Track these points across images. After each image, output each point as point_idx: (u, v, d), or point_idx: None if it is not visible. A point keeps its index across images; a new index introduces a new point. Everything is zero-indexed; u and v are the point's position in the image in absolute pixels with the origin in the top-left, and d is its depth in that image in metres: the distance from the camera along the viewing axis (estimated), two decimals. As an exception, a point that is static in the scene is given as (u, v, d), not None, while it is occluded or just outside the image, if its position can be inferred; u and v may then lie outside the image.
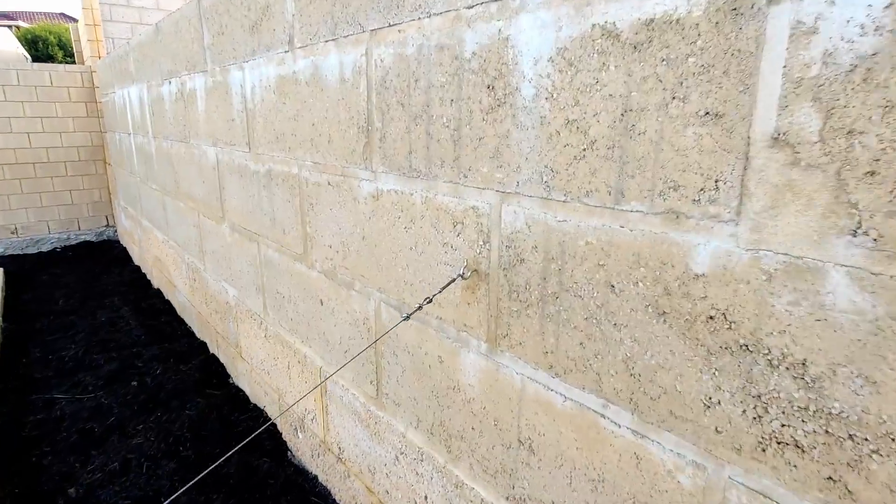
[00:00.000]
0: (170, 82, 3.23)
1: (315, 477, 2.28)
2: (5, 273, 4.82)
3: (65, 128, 5.60)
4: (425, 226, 1.40)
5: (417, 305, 1.24)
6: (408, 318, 1.23)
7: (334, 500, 2.15)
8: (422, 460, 1.60)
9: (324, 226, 1.87)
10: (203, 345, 3.50)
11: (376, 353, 1.73)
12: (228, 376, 3.12)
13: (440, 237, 1.36)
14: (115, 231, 6.12)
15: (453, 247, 1.33)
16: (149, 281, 4.80)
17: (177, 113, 3.21)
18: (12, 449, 2.36)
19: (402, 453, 1.70)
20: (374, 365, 1.75)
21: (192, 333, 3.70)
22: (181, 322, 3.88)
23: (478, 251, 1.26)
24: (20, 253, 5.60)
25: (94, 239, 6.01)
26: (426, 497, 1.61)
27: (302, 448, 2.39)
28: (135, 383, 2.93)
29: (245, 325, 2.77)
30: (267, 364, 2.61)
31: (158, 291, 4.51)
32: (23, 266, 5.12)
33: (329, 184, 1.79)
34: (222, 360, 3.24)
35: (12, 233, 5.58)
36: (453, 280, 1.25)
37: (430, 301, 1.21)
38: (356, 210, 1.67)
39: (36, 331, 3.67)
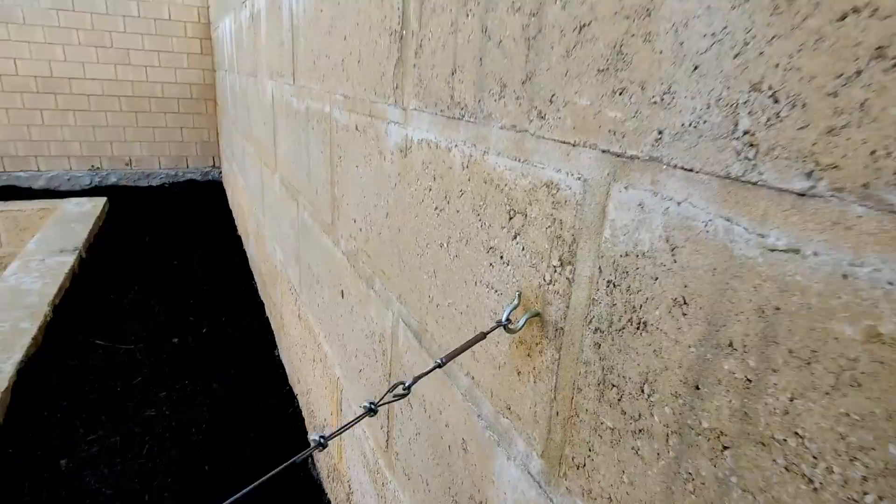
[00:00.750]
0: (244, 5, 2.83)
1: (329, 502, 1.81)
2: (110, 204, 4.97)
3: (179, 63, 5.63)
4: (464, 208, 0.76)
5: (423, 372, 0.62)
6: (405, 393, 0.60)
7: (341, 545, 1.66)
8: (429, 577, 1.02)
9: (350, 189, 1.30)
10: (261, 306, 3.20)
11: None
12: (274, 347, 2.77)
13: (485, 234, 0.72)
14: (220, 173, 6.17)
15: (503, 257, 0.68)
16: (235, 228, 4.67)
17: (249, 42, 2.82)
18: (30, 397, 2.18)
19: (407, 548, 1.12)
20: (386, 406, 1.17)
21: (255, 291, 3.42)
22: (248, 276, 3.64)
23: (547, 276, 0.60)
24: (132, 185, 5.84)
25: (199, 178, 6.11)
26: None
27: (320, 463, 1.93)
28: (175, 341, 2.68)
29: (286, 297, 2.35)
30: (298, 349, 2.17)
31: (238, 240, 4.35)
32: (129, 198, 5.28)
33: (356, 128, 1.20)
34: (273, 327, 2.90)
35: (126, 164, 5.82)
36: (482, 334, 0.61)
37: (442, 365, 0.59)
38: (381, 171, 1.07)
39: (112, 266, 3.62)
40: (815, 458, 0.35)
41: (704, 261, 0.41)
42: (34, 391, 2.21)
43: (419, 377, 0.57)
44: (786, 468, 0.37)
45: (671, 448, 0.46)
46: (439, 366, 0.58)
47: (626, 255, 0.49)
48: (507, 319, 0.61)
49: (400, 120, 0.96)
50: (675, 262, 0.44)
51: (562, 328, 0.59)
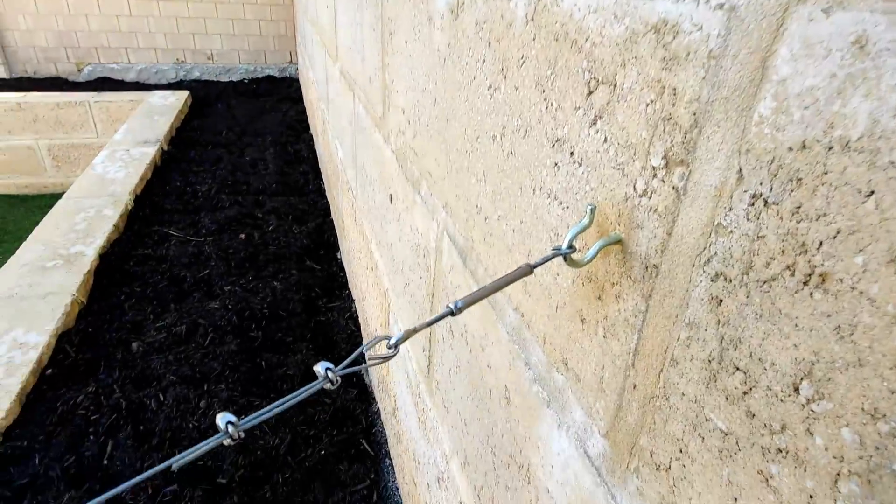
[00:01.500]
0: None
1: (377, 412, 1.79)
2: (192, 98, 5.02)
3: (254, -53, 5.34)
4: (525, 83, 0.54)
5: (434, 318, 0.43)
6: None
7: (388, 455, 1.65)
8: (463, 518, 0.91)
9: (399, 71, 1.08)
10: (327, 206, 3.15)
11: (430, 313, 1.00)
12: (337, 249, 2.73)
13: (550, 120, 0.50)
14: (297, 69, 6.04)
15: (574, 154, 0.46)
16: (308, 125, 4.60)
17: (312, -90, 2.51)
18: (109, 281, 2.29)
19: (441, 480, 1.03)
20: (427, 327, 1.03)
21: (322, 190, 3.37)
22: (317, 175, 3.58)
23: (639, 183, 0.38)
24: (213, 79, 5.86)
25: (277, 74, 6.01)
26: (462, 569, 0.95)
27: (373, 370, 1.89)
28: (243, 236, 2.70)
29: (346, 198, 2.24)
30: (355, 254, 2.08)
31: (310, 137, 4.27)
32: (209, 93, 5.31)
33: (406, -10, 0.96)
34: (336, 229, 2.85)
35: (208, 58, 5.81)
36: (528, 268, 0.41)
37: (454, 314, 0.40)
38: (430, 45, 0.84)
39: (188, 159, 3.69)
40: None
41: None
42: (113, 276, 2.32)
43: (428, 323, 0.39)
44: None
45: (842, 497, 0.26)
46: (451, 313, 0.39)
47: (804, 147, 0.26)
48: (571, 246, 0.41)
49: (453, -34, 0.71)
50: (930, 159, 0.21)
51: (655, 266, 0.37)
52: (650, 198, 0.37)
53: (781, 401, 0.29)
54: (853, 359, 0.25)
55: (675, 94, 0.34)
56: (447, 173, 0.82)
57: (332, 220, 3.02)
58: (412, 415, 1.26)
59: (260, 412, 0.34)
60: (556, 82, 0.48)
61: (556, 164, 0.50)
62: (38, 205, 4.42)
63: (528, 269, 0.39)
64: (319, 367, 0.37)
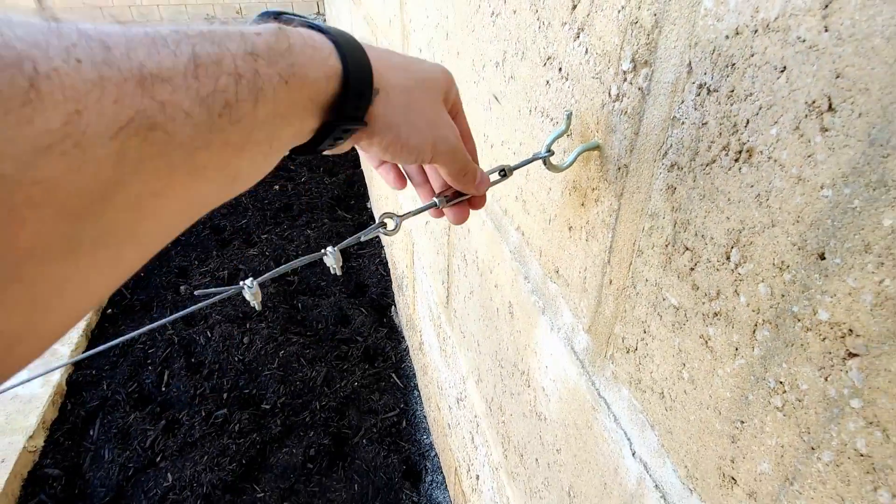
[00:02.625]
0: None
1: (406, 349, 1.89)
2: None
3: None
4: (522, 6, 0.56)
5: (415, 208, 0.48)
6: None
7: (417, 388, 1.75)
8: (477, 430, 0.99)
9: (416, 10, 1.10)
10: (356, 157, 3.20)
11: (448, 245, 1.05)
12: (367, 198, 2.80)
13: (542, 39, 0.52)
14: (325, 19, 5.98)
15: (562, 69, 0.49)
16: (337, 78, 4.60)
17: None
18: (158, 230, 2.43)
19: (461, 400, 1.11)
20: (445, 259, 1.09)
21: (352, 143, 3.41)
22: (347, 128, 3.62)
23: (613, 88, 0.41)
24: (243, 35, 5.88)
25: (305, 27, 5.99)
26: (478, 477, 1.04)
27: (401, 310, 1.98)
28: (276, 187, 2.80)
29: (373, 147, 2.28)
30: (383, 201, 2.14)
31: (339, 91, 4.29)
32: (240, 48, 5.35)
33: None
34: (366, 178, 2.91)
35: (237, 12, 5.82)
36: (503, 171, 0.44)
37: (438, 205, 0.45)
38: (441, -24, 0.85)
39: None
40: None
41: (891, 16, 0.21)
42: (159, 225, 2.47)
43: (414, 213, 0.44)
44: (972, 407, 0.20)
45: (758, 343, 0.30)
46: (436, 205, 0.44)
47: (737, 32, 0.29)
48: (549, 150, 0.44)
49: None
50: (826, 30, 0.24)
51: (625, 166, 0.41)
52: (621, 101, 0.40)
53: (717, 269, 0.33)
54: (768, 221, 0.28)
55: (614, 32, 0.37)
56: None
57: (361, 171, 3.07)
58: (435, 346, 1.34)
59: (273, 271, 0.40)
60: (547, 0, 0.50)
61: (547, 82, 0.53)
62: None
63: (508, 172, 0.43)
64: (329, 259, 0.42)
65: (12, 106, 0.16)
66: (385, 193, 2.05)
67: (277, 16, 0.31)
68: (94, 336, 1.82)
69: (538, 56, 0.53)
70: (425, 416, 1.65)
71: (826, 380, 0.26)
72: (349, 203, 2.75)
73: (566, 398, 0.57)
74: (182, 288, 2.10)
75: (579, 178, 0.48)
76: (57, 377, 1.61)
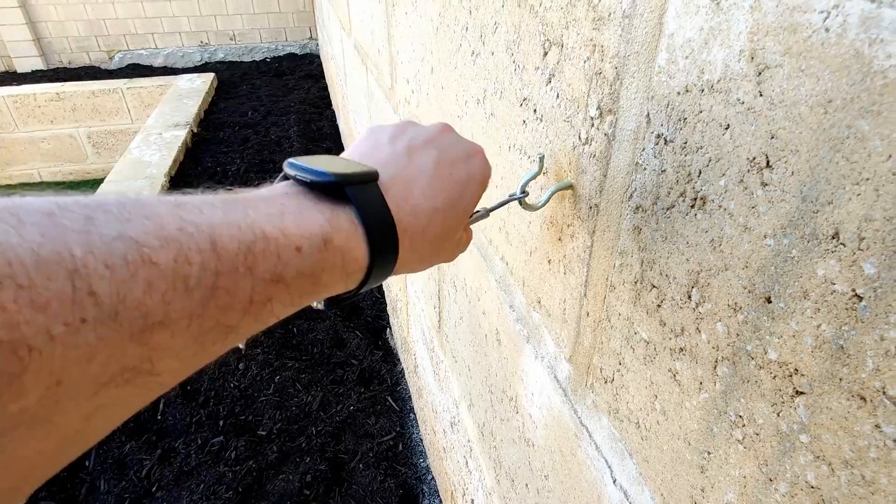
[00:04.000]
0: None
1: (402, 371, 1.89)
2: (217, 79, 5.14)
3: (269, -76, 5.34)
4: (499, 48, 0.59)
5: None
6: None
7: (413, 411, 1.75)
8: (471, 454, 1.00)
9: (402, 43, 1.13)
10: (350, 180, 3.23)
11: (438, 271, 1.07)
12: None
13: (518, 81, 0.55)
14: (318, 44, 6.07)
15: (537, 111, 0.51)
16: (330, 101, 4.66)
17: None
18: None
19: (454, 424, 1.12)
20: (436, 284, 1.11)
21: (345, 165, 3.45)
22: (340, 150, 3.65)
23: (582, 132, 0.44)
24: (237, 60, 5.96)
25: (298, 51, 6.06)
26: (473, 501, 1.05)
27: (395, 332, 1.99)
28: (271, 211, 2.82)
29: (366, 170, 2.31)
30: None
31: (332, 114, 4.34)
32: (233, 74, 5.42)
33: (403, -37, 1.00)
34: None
35: (231, 39, 5.90)
36: (484, 210, 0.46)
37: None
38: (426, 15, 0.89)
39: (217, 140, 3.82)
40: (961, 442, 0.19)
41: (812, 87, 0.23)
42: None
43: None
44: (899, 445, 0.22)
45: (719, 379, 0.32)
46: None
47: (687, 90, 0.31)
48: (524, 191, 0.46)
49: (438, -61, 0.75)
50: (761, 95, 0.26)
51: (596, 205, 0.43)
52: (590, 145, 0.43)
53: (680, 307, 0.34)
54: (721, 265, 0.30)
55: (603, 51, 0.39)
56: (444, 138, 0.88)
57: (355, 193, 3.10)
58: (429, 369, 1.35)
59: None
60: (521, 45, 0.53)
61: (524, 122, 0.55)
62: (82, 191, 4.67)
63: (485, 213, 0.45)
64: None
65: None
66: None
67: (301, 179, 0.29)
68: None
69: (515, 97, 0.56)
70: (421, 439, 1.65)
71: (778, 415, 0.28)
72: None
73: (551, 425, 0.58)
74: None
75: (556, 214, 0.51)
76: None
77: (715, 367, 0.32)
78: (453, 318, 1.00)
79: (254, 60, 6.02)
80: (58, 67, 5.79)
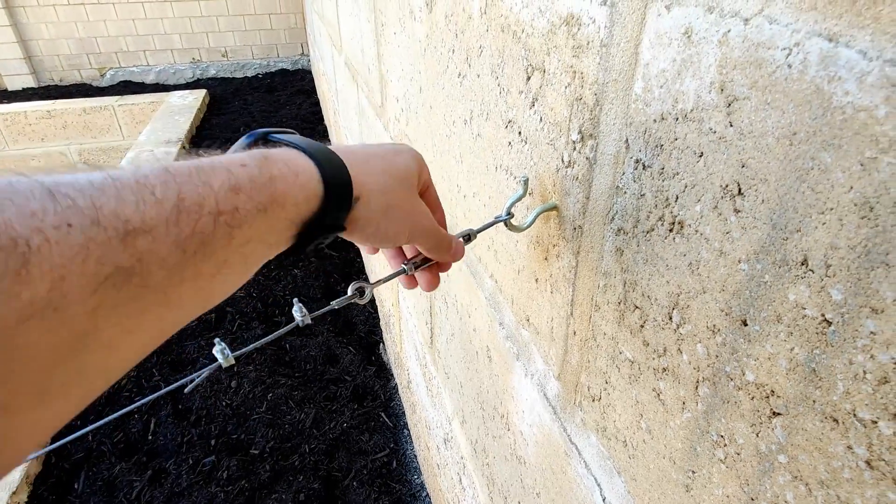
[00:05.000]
0: None
1: (395, 387, 1.88)
2: (209, 95, 5.15)
3: (260, -57, 5.40)
4: (484, 71, 0.60)
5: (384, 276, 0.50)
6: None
7: (406, 426, 1.74)
8: (464, 471, 1.00)
9: (392, 62, 1.15)
10: (343, 195, 3.24)
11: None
12: (354, 236, 2.82)
13: (503, 103, 0.56)
14: (309, 60, 6.11)
15: (521, 133, 0.52)
16: (322, 116, 4.68)
17: None
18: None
19: (447, 441, 1.11)
20: (428, 301, 1.11)
21: (338, 180, 3.45)
22: (332, 165, 3.67)
23: (565, 155, 0.45)
24: (228, 76, 5.98)
25: (289, 67, 6.10)
26: (468, 519, 1.04)
27: (389, 348, 1.99)
28: (263, 227, 2.81)
29: (358, 185, 2.32)
30: (369, 238, 2.16)
31: (325, 129, 4.36)
32: (226, 90, 5.43)
33: (391, -15, 1.02)
34: (352, 216, 2.93)
35: (223, 55, 5.93)
36: (468, 236, 0.47)
37: (416, 268, 0.47)
38: (413, 36, 0.90)
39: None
40: (926, 464, 0.20)
41: (778, 120, 0.24)
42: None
43: (382, 281, 0.46)
44: (868, 463, 0.22)
45: (701, 399, 0.32)
46: (405, 272, 0.46)
47: (663, 118, 0.32)
48: (510, 213, 0.47)
49: (424, -37, 0.77)
50: (731, 125, 0.27)
51: (580, 227, 0.44)
52: (573, 167, 0.44)
53: (662, 328, 0.35)
54: (700, 287, 0.31)
55: (583, 78, 0.40)
56: (434, 156, 0.89)
57: (348, 208, 3.10)
58: (422, 385, 1.34)
59: (249, 346, 0.42)
60: (505, 69, 0.54)
61: (509, 143, 0.56)
62: (73, 207, 4.64)
63: (472, 235, 0.46)
64: (295, 311, 0.44)
65: (3, 285, 0.17)
66: (370, 231, 2.07)
67: (265, 137, 0.34)
68: (79, 386, 1.80)
69: (500, 119, 0.57)
70: (415, 455, 1.64)
71: (757, 435, 0.28)
72: (336, 241, 2.77)
73: (542, 443, 0.58)
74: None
75: (542, 234, 0.51)
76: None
77: (696, 388, 0.33)
78: (445, 334, 1.00)
79: (245, 76, 6.04)
80: (49, 85, 5.78)
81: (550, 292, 0.51)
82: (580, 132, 0.42)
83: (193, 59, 5.96)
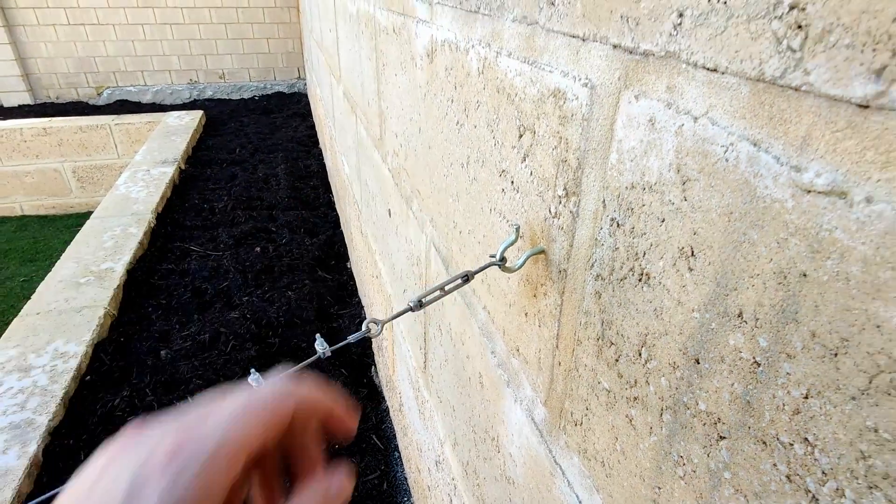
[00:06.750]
0: None
1: (387, 409, 1.91)
2: (206, 116, 5.23)
3: (261, -29, 5.55)
4: (480, 123, 0.66)
5: (397, 312, 0.55)
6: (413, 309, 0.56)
7: (397, 449, 1.77)
8: (455, 492, 1.04)
9: (392, 100, 1.22)
10: (337, 218, 3.30)
11: (425, 315, 1.13)
12: (347, 259, 2.87)
13: (498, 154, 0.62)
14: (305, 84, 6.23)
15: (514, 182, 0.59)
16: (317, 140, 4.76)
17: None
18: (137, 294, 2.45)
19: (439, 462, 1.15)
20: (422, 327, 1.16)
21: (331, 203, 3.52)
22: (327, 188, 3.74)
23: (552, 207, 0.51)
24: (225, 98, 6.08)
25: (286, 90, 6.22)
26: (458, 540, 1.08)
27: (381, 371, 2.02)
28: (258, 249, 2.86)
29: (352, 211, 2.38)
30: (362, 263, 2.22)
31: (319, 152, 4.44)
32: (222, 111, 5.52)
33: (393, 30, 1.09)
34: (346, 240, 2.99)
35: (220, 77, 6.03)
36: (466, 275, 0.53)
37: (414, 310, 0.53)
38: (414, 81, 0.97)
39: (204, 177, 3.87)
40: (824, 473, 0.26)
41: (720, 200, 0.31)
42: (140, 289, 2.49)
43: (394, 317, 0.52)
44: (788, 477, 0.28)
45: (664, 424, 0.38)
46: (412, 309, 0.52)
47: (633, 186, 0.38)
48: (503, 258, 0.53)
49: (427, 17, 0.84)
50: (685, 199, 0.33)
51: (564, 270, 0.50)
52: (559, 219, 0.50)
53: (633, 363, 0.41)
54: (662, 330, 0.37)
55: (567, 143, 0.47)
56: (432, 192, 0.95)
57: (341, 232, 3.16)
58: (414, 409, 1.38)
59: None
60: (500, 125, 0.61)
61: (503, 190, 0.62)
62: (65, 224, 4.65)
63: (466, 279, 0.52)
64: (317, 344, 0.49)
65: None
66: (363, 257, 2.13)
67: None
68: (73, 403, 1.81)
69: (495, 167, 0.63)
70: (405, 478, 1.66)
71: (708, 456, 0.34)
72: (329, 263, 2.82)
73: (530, 464, 0.63)
74: (163, 352, 2.11)
75: (531, 274, 0.57)
76: (33, 449, 1.59)
77: (661, 415, 0.38)
78: (438, 359, 1.05)
79: (242, 98, 6.14)
80: (45, 102, 5.82)
81: (538, 326, 0.57)
82: (565, 189, 0.48)
83: (191, 80, 6.06)
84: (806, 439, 0.27)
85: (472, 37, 0.66)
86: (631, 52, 0.37)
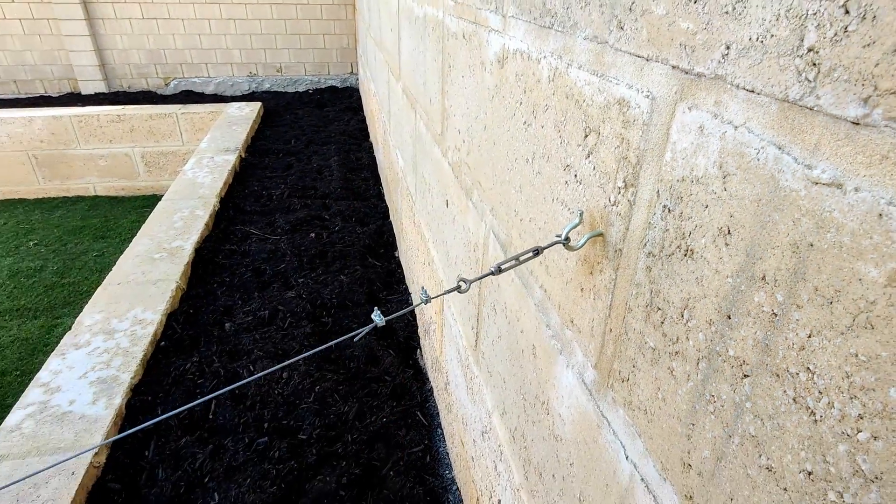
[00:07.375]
0: None
1: (431, 390, 2.03)
2: (263, 108, 5.48)
3: (321, -31, 5.77)
4: (548, 124, 0.76)
5: (479, 276, 0.67)
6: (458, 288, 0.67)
7: (440, 426, 1.89)
8: (501, 458, 1.14)
9: (456, 100, 1.32)
10: (386, 209, 3.44)
11: (479, 296, 1.23)
12: (395, 248, 3.01)
13: (563, 152, 0.72)
14: (357, 79, 6.43)
15: (577, 176, 0.69)
16: (367, 133, 4.94)
17: (380, -56, 2.80)
18: (203, 271, 2.66)
19: (485, 433, 1.26)
20: (476, 308, 1.27)
21: (381, 195, 3.67)
22: (377, 180, 3.89)
23: (612, 197, 0.60)
24: (281, 90, 6.35)
25: (339, 85, 6.44)
26: (500, 501, 1.18)
27: (426, 353, 2.14)
28: (312, 235, 3.03)
29: (405, 202, 2.51)
30: (412, 252, 2.34)
31: (370, 146, 4.60)
32: (278, 104, 5.78)
33: (463, 36, 1.20)
34: (395, 230, 3.13)
35: (277, 71, 6.31)
36: (538, 249, 0.63)
37: (496, 273, 0.63)
38: (482, 83, 1.07)
39: (262, 165, 4.09)
40: (820, 392, 0.35)
41: (751, 190, 0.40)
42: (206, 267, 2.70)
43: (479, 278, 0.63)
44: (794, 399, 0.37)
45: (700, 371, 0.47)
46: (492, 273, 0.62)
47: (683, 179, 0.48)
48: (567, 237, 0.63)
49: (499, 28, 0.95)
50: (725, 190, 0.43)
51: (620, 249, 0.59)
52: (617, 206, 0.59)
53: (676, 323, 0.50)
54: (702, 294, 0.46)
55: (629, 144, 0.56)
56: (493, 185, 1.06)
57: (390, 223, 3.30)
58: (461, 385, 1.50)
59: (398, 312, 0.58)
60: (567, 126, 0.71)
61: (566, 182, 0.72)
62: (132, 205, 4.99)
63: (538, 251, 0.62)
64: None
65: None
66: (415, 245, 2.25)
67: None
68: (150, 365, 2.01)
69: (559, 163, 0.73)
70: (447, 453, 1.78)
71: (734, 391, 0.43)
72: (379, 251, 2.96)
73: (578, 420, 0.73)
74: (227, 325, 2.29)
75: (588, 254, 0.67)
76: (118, 401, 1.79)
77: (697, 364, 0.48)
78: (491, 336, 1.15)
79: (297, 91, 6.39)
80: (118, 91, 6.23)
81: (593, 299, 0.67)
82: (624, 181, 0.57)
83: (250, 72, 6.35)
84: (808, 368, 0.36)
85: (544, 49, 0.76)
86: (687, 73, 0.46)
